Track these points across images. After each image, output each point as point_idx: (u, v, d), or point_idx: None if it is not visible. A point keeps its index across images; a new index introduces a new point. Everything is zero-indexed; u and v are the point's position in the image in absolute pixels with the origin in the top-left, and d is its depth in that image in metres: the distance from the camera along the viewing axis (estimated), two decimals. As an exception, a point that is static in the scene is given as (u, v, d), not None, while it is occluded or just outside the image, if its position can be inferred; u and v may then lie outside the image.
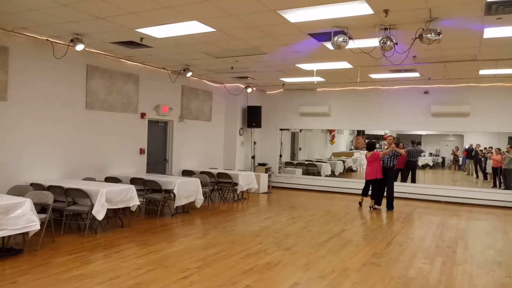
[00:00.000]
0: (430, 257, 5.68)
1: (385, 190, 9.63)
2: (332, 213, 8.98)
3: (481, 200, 10.64)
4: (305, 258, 5.47)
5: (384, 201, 9.71)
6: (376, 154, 9.56)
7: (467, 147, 12.80)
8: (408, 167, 12.09)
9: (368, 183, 9.78)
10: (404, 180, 12.11)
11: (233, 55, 8.07)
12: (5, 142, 6.76)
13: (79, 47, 6.91)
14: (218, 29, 6.26)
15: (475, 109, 10.75)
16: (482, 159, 12.35)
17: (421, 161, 13.69)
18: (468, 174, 13.02)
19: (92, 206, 6.24)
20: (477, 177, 12.67)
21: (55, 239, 5.93)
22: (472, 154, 12.61)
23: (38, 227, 5.20)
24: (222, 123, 12.51)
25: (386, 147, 9.93)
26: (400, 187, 11.61)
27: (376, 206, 9.68)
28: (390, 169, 9.61)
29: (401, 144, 12.59)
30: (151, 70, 9.64)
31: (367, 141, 10.20)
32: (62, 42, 7.26)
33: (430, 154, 13.75)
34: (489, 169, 11.97)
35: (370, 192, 9.82)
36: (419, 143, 13.06)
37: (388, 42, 5.63)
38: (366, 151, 9.83)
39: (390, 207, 9.58)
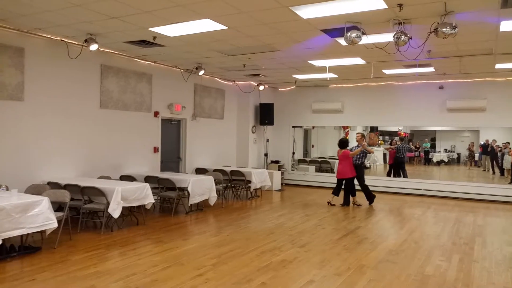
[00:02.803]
0: (447, 254, 5.61)
1: (361, 188, 9.53)
2: (346, 210, 8.93)
3: (498, 196, 10.46)
4: (320, 255, 5.46)
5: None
6: (346, 153, 9.25)
7: (482, 142, 12.60)
8: (396, 163, 12.37)
9: (339, 182, 9.47)
10: (396, 175, 12.33)
11: (245, 52, 8.07)
12: (22, 142, 6.88)
13: (93, 47, 6.99)
14: (230, 27, 6.26)
15: (492, 103, 10.57)
16: (499, 154, 12.14)
17: (435, 157, 13.53)
18: (484, 170, 12.82)
19: (108, 204, 6.31)
20: (494, 173, 12.47)
21: (72, 237, 6.01)
22: (488, 150, 12.41)
23: (55, 225, 5.28)
24: (234, 121, 12.53)
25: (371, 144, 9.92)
26: (414, 184, 11.57)
27: (333, 202, 9.47)
28: (358, 166, 9.38)
29: (394, 140, 12.68)
30: (164, 69, 9.70)
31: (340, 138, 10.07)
32: (76, 42, 7.34)
33: (445, 150, 13.57)
34: (507, 165, 11.76)
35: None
36: (410, 140, 13.20)
37: (402, 37, 5.56)
38: (338, 149, 9.53)
39: (371, 201, 9.58)
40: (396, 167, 12.42)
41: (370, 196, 9.58)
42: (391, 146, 12.71)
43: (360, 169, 9.44)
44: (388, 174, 12.59)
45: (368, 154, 9.64)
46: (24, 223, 4.95)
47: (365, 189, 9.55)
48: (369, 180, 11.90)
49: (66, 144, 7.57)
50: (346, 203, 9.42)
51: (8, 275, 4.46)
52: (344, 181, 9.42)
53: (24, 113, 6.89)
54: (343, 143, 9.41)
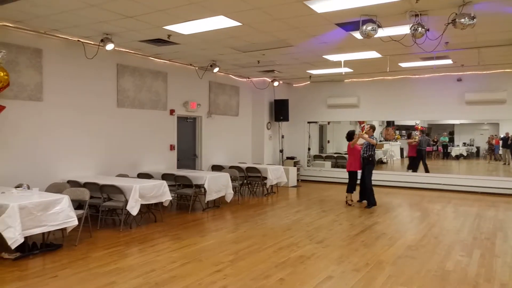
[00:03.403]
0: (467, 250, 5.51)
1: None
2: (363, 205, 8.84)
3: (519, 190, 10.25)
4: (338, 251, 5.43)
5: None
6: (348, 145, 8.83)
7: (502, 135, 12.35)
8: (419, 155, 12.30)
9: (349, 176, 8.95)
10: (415, 168, 12.22)
11: (259, 48, 8.05)
12: (43, 142, 7.00)
13: (109, 46, 7.06)
14: (244, 23, 6.25)
15: (512, 95, 10.35)
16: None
17: (454, 151, 13.31)
18: (504, 164, 12.56)
19: (126, 201, 6.39)
20: (515, 166, 12.23)
21: (92, 234, 6.11)
22: (508, 143, 12.16)
23: (76, 222, 5.37)
24: (249, 118, 12.53)
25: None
26: (433, 178, 11.41)
27: (351, 202, 8.89)
28: (365, 159, 8.68)
29: (412, 134, 12.56)
30: (179, 67, 9.74)
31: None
32: (92, 43, 7.43)
33: (464, 144, 13.33)
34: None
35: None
36: (428, 134, 13.14)
37: (419, 28, 5.48)
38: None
39: (368, 203, 8.68)
40: (418, 159, 12.25)
41: (370, 198, 8.68)
42: (414, 139, 12.53)
43: (366, 163, 8.71)
44: (409, 167, 12.37)
45: (382, 149, 9.26)
46: (46, 221, 5.04)
47: (367, 189, 8.74)
48: (387, 176, 11.88)
49: (84, 143, 7.68)
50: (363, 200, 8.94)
51: (31, 272, 4.56)
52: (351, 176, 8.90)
53: (43, 113, 7.01)
54: (349, 135, 8.96)
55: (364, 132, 9.01)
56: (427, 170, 12.06)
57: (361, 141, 8.85)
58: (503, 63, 9.48)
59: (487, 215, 7.88)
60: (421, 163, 12.30)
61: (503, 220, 7.47)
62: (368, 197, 8.77)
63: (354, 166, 8.83)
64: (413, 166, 12.38)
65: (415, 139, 12.52)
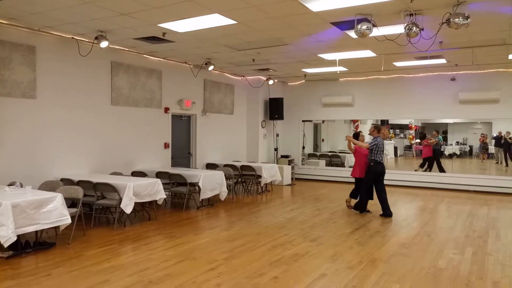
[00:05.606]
0: (460, 247, 5.56)
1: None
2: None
3: (511, 188, 10.32)
4: (332, 249, 5.45)
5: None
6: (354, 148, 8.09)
7: (495, 134, 12.44)
8: (435, 155, 12.22)
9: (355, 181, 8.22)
10: (430, 168, 12.13)
11: (254, 47, 8.04)
12: (36, 140, 6.96)
13: (103, 44, 7.02)
14: (240, 21, 6.24)
15: (505, 95, 10.42)
16: (512, 146, 11.98)
17: (447, 150, 13.40)
18: (497, 163, 12.66)
19: (120, 200, 6.37)
20: (507, 165, 12.31)
21: (86, 232, 6.09)
22: (501, 142, 12.26)
23: (69, 221, 5.33)
24: (244, 116, 12.52)
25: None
26: (427, 177, 11.48)
27: (349, 205, 8.23)
28: (369, 167, 7.68)
29: (434, 132, 12.48)
30: (174, 65, 9.71)
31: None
32: (86, 40, 7.39)
33: (457, 143, 13.41)
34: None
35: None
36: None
37: (414, 28, 5.50)
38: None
39: (356, 207, 7.95)
40: (434, 159, 12.15)
41: (359, 206, 7.90)
42: (435, 140, 12.40)
43: (369, 170, 7.68)
44: (423, 166, 12.28)
45: (383, 151, 7.84)
46: (39, 219, 5.01)
47: (361, 193, 7.88)
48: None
49: (78, 141, 7.64)
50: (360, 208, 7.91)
51: (24, 271, 4.53)
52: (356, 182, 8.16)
53: (37, 110, 6.96)
54: (355, 137, 8.11)
55: (368, 133, 8.04)
56: (443, 170, 11.90)
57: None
58: (497, 63, 9.56)
59: (479, 213, 7.95)
60: (435, 163, 12.23)
61: (496, 218, 7.53)
62: (359, 203, 7.95)
63: (354, 172, 8.03)
64: (430, 166, 12.27)
65: (434, 140, 12.44)
